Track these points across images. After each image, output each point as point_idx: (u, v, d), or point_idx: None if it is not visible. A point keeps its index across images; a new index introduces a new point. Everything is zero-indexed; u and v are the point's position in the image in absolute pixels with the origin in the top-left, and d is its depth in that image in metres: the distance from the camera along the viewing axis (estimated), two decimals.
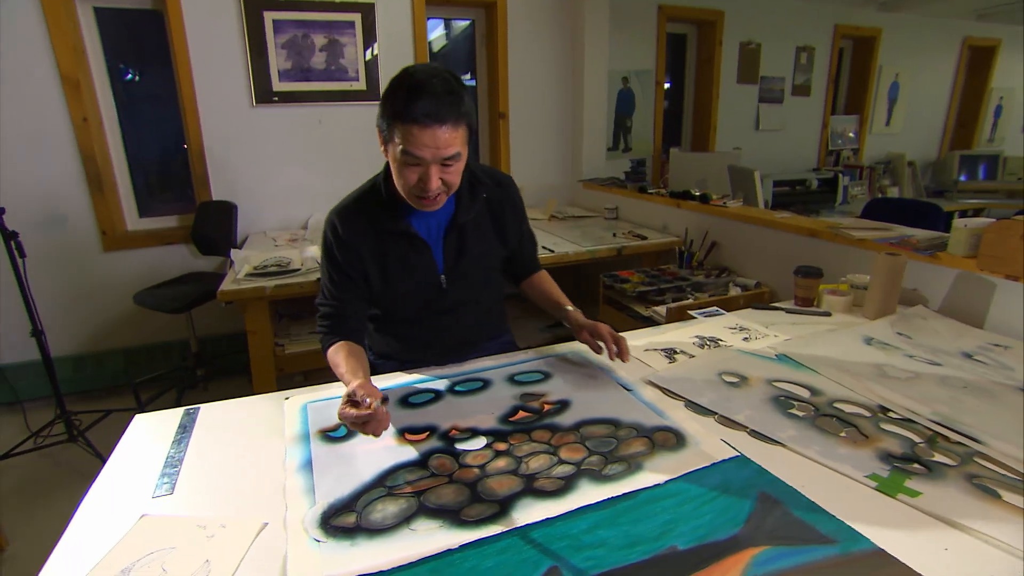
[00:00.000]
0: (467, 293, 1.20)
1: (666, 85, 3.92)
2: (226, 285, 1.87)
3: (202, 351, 2.66)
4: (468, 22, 3.34)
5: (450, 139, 0.94)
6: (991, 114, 5.52)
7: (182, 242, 2.74)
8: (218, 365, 2.84)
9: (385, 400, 0.86)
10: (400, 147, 0.94)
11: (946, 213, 3.38)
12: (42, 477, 2.09)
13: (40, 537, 1.80)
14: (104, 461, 1.97)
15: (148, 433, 0.96)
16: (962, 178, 4.74)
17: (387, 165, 1.07)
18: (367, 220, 1.09)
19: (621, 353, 1.10)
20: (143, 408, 2.47)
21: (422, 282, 1.14)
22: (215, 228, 2.56)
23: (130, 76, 2.72)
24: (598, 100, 3.40)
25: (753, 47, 4.03)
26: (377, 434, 0.84)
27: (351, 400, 0.84)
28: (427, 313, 1.19)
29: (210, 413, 1.02)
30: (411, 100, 0.91)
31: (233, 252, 2.16)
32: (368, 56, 2.85)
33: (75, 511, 0.76)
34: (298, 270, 2.01)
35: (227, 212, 2.55)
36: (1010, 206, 4.08)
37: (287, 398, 1.06)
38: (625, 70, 3.64)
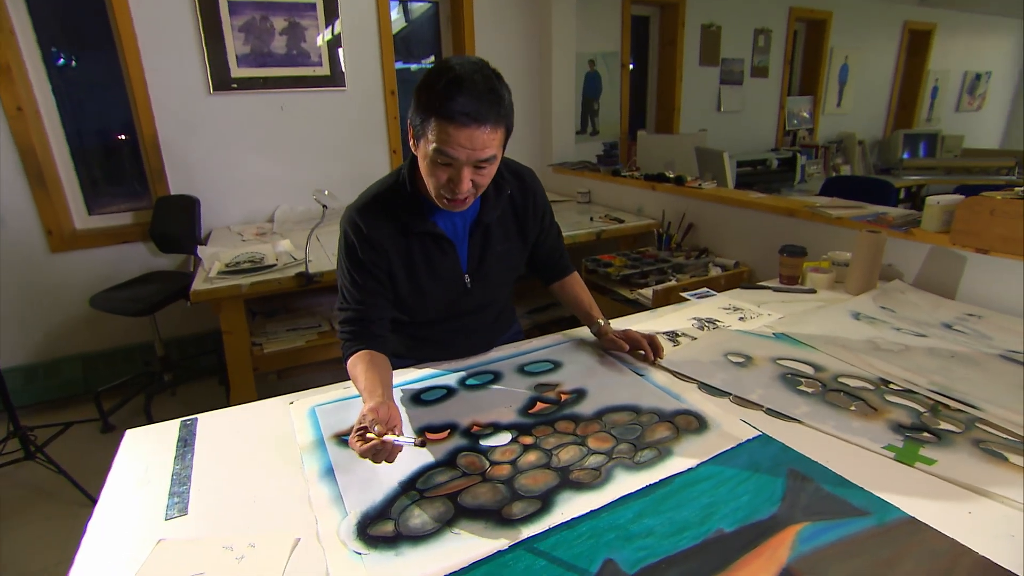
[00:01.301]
0: (489, 293, 1.16)
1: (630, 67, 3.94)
2: (198, 285, 1.76)
3: (167, 354, 2.52)
4: (430, 4, 3.24)
5: (487, 141, 0.88)
6: (928, 95, 5.83)
7: (139, 240, 2.56)
8: (186, 368, 2.70)
9: (422, 443, 0.77)
10: (433, 145, 0.87)
11: (895, 189, 3.57)
12: (1, 498, 1.94)
13: (8, 562, 1.67)
14: (69, 478, 1.87)
15: (144, 450, 0.89)
16: (905, 155, 5.00)
17: (412, 160, 1.01)
18: (390, 218, 1.02)
19: (658, 351, 1.10)
20: (107, 419, 2.32)
21: (447, 282, 1.09)
22: (176, 224, 2.41)
23: (63, 61, 2.49)
24: (566, 83, 3.38)
25: (714, 29, 4.09)
26: (391, 461, 0.78)
27: (361, 429, 0.78)
28: (449, 314, 1.14)
29: (210, 423, 0.96)
30: (450, 96, 0.84)
31: (200, 249, 2.04)
32: (328, 36, 2.72)
33: (80, 541, 0.69)
34: (273, 266, 1.92)
35: (188, 207, 2.40)
36: (948, 181, 4.35)
37: (291, 402, 1.01)
38: (591, 53, 3.63)
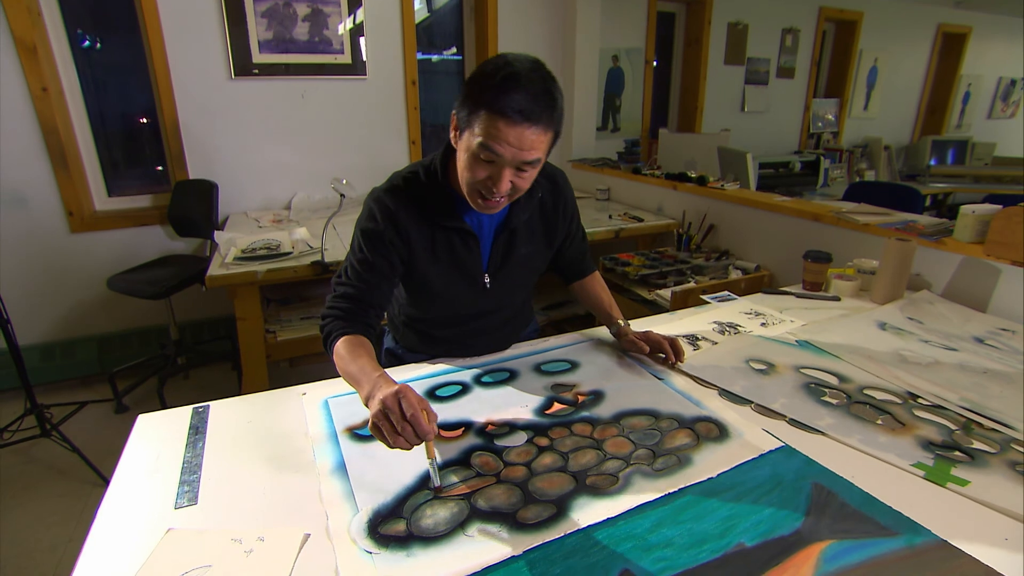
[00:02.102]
0: (507, 294, 1.13)
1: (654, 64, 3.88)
2: (214, 270, 1.76)
3: (182, 338, 2.53)
4: None
5: (535, 142, 0.84)
6: (960, 100, 5.68)
7: (157, 223, 2.58)
8: (200, 352, 2.71)
9: (438, 488, 0.75)
10: (479, 139, 0.84)
11: (921, 196, 3.48)
12: (15, 475, 1.97)
13: (20, 537, 1.69)
14: (82, 457, 1.89)
15: (155, 435, 0.89)
16: (932, 162, 4.87)
17: (445, 150, 0.99)
18: (419, 205, 1.00)
19: (679, 354, 1.08)
20: (120, 399, 2.35)
21: (466, 279, 1.07)
22: (194, 209, 2.42)
23: (88, 43, 2.50)
24: (589, 78, 3.33)
25: (741, 28, 4.01)
26: (408, 447, 0.73)
27: (403, 402, 0.72)
28: (466, 313, 1.12)
29: (221, 411, 0.95)
30: (504, 90, 0.81)
31: (217, 234, 2.04)
32: (351, 24, 2.71)
33: (90, 527, 0.69)
34: (290, 253, 1.92)
35: (207, 192, 2.40)
36: (977, 190, 4.22)
37: (304, 393, 1.00)
38: (615, 48, 3.58)
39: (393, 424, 0.72)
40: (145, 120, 2.66)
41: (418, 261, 1.02)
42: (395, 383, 0.79)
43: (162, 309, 2.45)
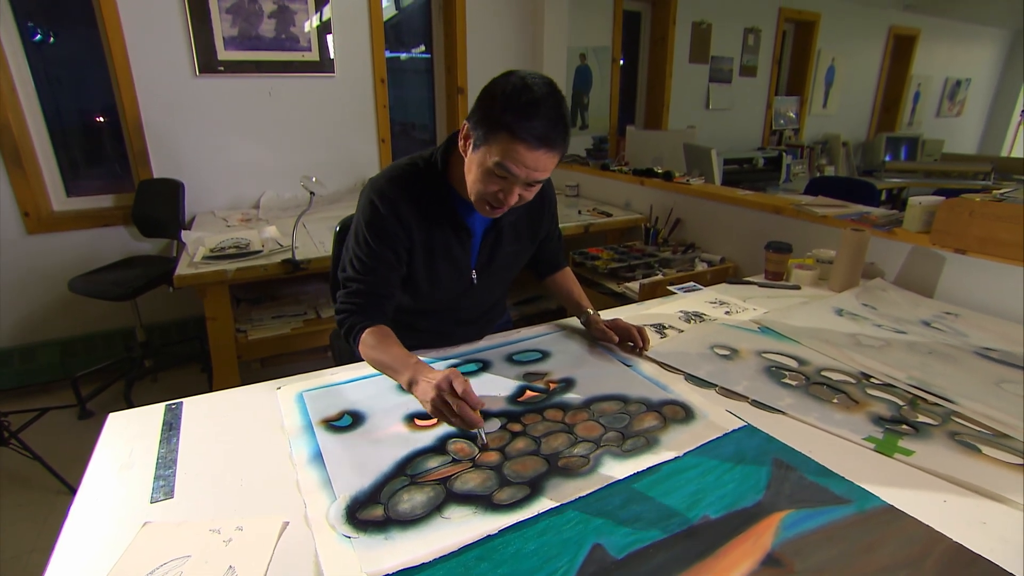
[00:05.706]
0: (491, 289, 1.18)
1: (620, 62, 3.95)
2: (182, 269, 1.73)
3: (148, 340, 2.47)
4: None
5: (548, 164, 0.90)
6: (911, 99, 5.94)
7: (120, 224, 2.51)
8: (167, 354, 2.65)
9: (484, 445, 0.84)
10: (496, 159, 0.88)
11: (877, 191, 3.63)
12: None
13: None
14: (44, 464, 1.83)
15: (128, 433, 0.88)
16: (887, 158, 5.08)
17: (446, 146, 1.02)
18: (419, 197, 1.03)
19: (645, 341, 1.13)
20: (84, 405, 2.28)
21: (457, 274, 1.11)
22: (159, 208, 2.36)
23: (40, 37, 2.41)
24: (557, 76, 3.37)
25: (705, 27, 4.11)
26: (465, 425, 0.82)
27: (454, 382, 0.81)
28: (451, 306, 1.16)
29: (195, 408, 0.95)
30: (526, 116, 0.85)
31: (184, 234, 2.00)
32: (317, 22, 2.68)
33: (63, 523, 0.68)
34: (259, 252, 1.90)
35: (172, 191, 2.35)
36: (928, 185, 4.43)
37: (279, 388, 1.01)
38: (582, 46, 3.63)
39: (450, 404, 0.80)
40: (105, 118, 2.57)
41: (415, 253, 1.06)
42: (434, 369, 0.89)
43: (127, 311, 2.38)
